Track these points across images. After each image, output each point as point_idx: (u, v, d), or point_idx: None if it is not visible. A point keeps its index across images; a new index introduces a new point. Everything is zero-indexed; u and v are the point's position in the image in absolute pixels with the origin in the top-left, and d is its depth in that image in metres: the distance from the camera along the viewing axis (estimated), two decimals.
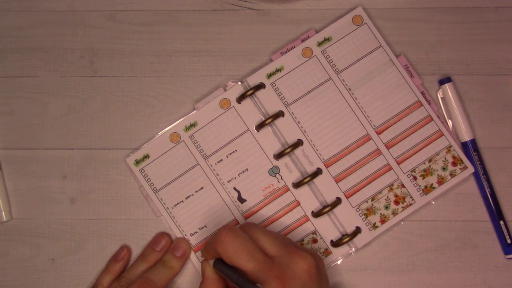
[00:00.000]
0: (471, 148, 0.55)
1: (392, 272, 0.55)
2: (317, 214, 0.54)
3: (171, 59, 0.58)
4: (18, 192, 0.57)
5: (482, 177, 0.55)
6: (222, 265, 0.46)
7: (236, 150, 0.55)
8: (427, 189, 0.55)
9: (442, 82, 0.56)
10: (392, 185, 0.55)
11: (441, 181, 0.55)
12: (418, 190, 0.55)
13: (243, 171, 0.55)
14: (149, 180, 0.55)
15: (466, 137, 0.55)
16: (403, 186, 0.55)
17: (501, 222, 0.54)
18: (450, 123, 0.56)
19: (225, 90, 0.56)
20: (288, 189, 0.55)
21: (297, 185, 0.54)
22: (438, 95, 0.56)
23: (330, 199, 0.55)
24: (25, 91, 0.58)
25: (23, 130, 0.57)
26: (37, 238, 0.56)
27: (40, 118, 0.57)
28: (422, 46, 0.57)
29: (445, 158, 0.55)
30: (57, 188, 0.57)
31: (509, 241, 0.54)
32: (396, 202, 0.55)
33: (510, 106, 0.57)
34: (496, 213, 0.55)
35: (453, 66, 0.57)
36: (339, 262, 0.55)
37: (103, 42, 0.58)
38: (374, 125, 0.56)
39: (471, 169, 0.55)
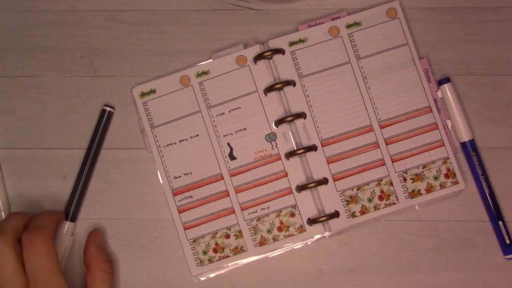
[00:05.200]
0: (469, 148, 0.55)
1: (392, 272, 0.55)
2: (301, 187, 0.55)
3: (171, 59, 0.58)
4: (18, 192, 0.57)
5: (481, 177, 0.55)
6: None
7: (239, 108, 0.56)
8: (414, 193, 0.55)
9: (441, 82, 0.56)
10: (381, 180, 0.55)
11: (429, 189, 0.55)
12: (405, 192, 0.55)
13: (240, 130, 0.56)
14: (149, 114, 0.56)
15: (465, 137, 0.55)
16: (391, 184, 0.55)
17: (500, 223, 0.54)
18: (449, 123, 0.56)
19: (244, 48, 0.56)
20: (279, 158, 0.55)
21: (289, 155, 0.55)
22: (438, 95, 0.56)
23: (317, 177, 0.55)
24: (25, 91, 0.58)
25: (23, 130, 0.57)
26: None
27: (40, 118, 0.57)
28: (422, 46, 0.57)
29: (439, 169, 0.55)
30: (57, 188, 0.57)
31: (508, 242, 0.54)
32: (380, 198, 0.55)
33: (510, 106, 0.57)
34: (495, 214, 0.55)
35: (453, 66, 0.57)
36: (309, 242, 0.55)
37: (103, 42, 0.58)
38: (379, 118, 0.56)
39: (461, 186, 0.55)
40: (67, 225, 0.55)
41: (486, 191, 0.55)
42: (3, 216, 0.56)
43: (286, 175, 0.56)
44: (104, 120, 0.56)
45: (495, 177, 0.56)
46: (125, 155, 0.57)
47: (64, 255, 0.55)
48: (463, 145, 0.56)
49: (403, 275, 0.55)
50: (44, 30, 0.58)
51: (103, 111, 0.56)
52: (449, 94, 0.56)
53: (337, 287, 0.55)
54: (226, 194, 0.55)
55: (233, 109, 0.56)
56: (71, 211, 0.55)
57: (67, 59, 0.58)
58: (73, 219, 0.55)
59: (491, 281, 0.55)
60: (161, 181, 0.56)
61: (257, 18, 0.58)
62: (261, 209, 0.55)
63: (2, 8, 0.59)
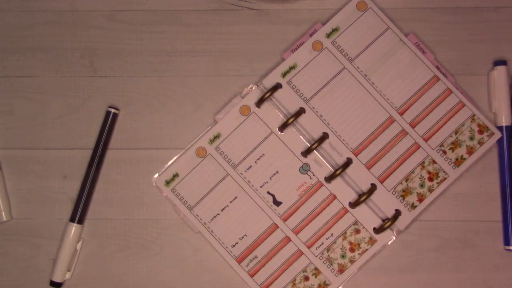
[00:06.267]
0: (504, 133, 0.55)
1: (392, 272, 0.55)
2: (354, 204, 0.54)
3: (171, 59, 0.58)
4: (18, 192, 0.57)
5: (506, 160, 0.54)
6: None
7: (263, 154, 0.55)
8: (458, 161, 0.55)
9: (497, 63, 0.55)
10: (424, 162, 0.55)
11: (470, 151, 0.55)
12: (450, 163, 0.55)
13: (274, 174, 0.55)
14: (182, 198, 0.55)
15: (505, 121, 0.55)
16: (434, 162, 0.55)
17: None
18: (494, 104, 0.55)
19: (243, 97, 0.56)
20: (322, 185, 0.55)
21: (330, 178, 0.54)
22: (491, 75, 0.55)
23: (365, 186, 0.55)
24: (25, 91, 0.58)
25: (23, 130, 0.57)
26: (37, 238, 0.56)
27: (40, 118, 0.57)
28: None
29: (471, 128, 0.55)
30: (57, 188, 0.57)
31: None
32: (430, 179, 0.55)
33: None
34: (509, 199, 0.54)
35: (453, 66, 0.57)
36: (378, 247, 0.55)
37: (103, 42, 0.58)
38: (395, 107, 0.55)
39: (498, 135, 0.55)
40: (74, 228, 0.55)
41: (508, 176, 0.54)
42: (3, 216, 0.56)
43: (335, 197, 0.55)
44: (109, 122, 0.56)
45: None
46: (125, 155, 0.57)
47: (74, 259, 0.55)
48: (500, 129, 0.55)
49: (403, 275, 0.55)
50: (44, 30, 0.58)
51: (108, 113, 0.56)
52: (503, 77, 0.55)
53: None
54: (288, 240, 0.55)
55: (258, 158, 0.55)
56: (78, 213, 0.55)
57: (67, 59, 0.58)
58: (81, 221, 0.55)
59: (490, 281, 0.55)
60: (220, 254, 0.55)
61: (257, 18, 0.58)
62: (326, 238, 0.54)
63: (2, 8, 0.59)
